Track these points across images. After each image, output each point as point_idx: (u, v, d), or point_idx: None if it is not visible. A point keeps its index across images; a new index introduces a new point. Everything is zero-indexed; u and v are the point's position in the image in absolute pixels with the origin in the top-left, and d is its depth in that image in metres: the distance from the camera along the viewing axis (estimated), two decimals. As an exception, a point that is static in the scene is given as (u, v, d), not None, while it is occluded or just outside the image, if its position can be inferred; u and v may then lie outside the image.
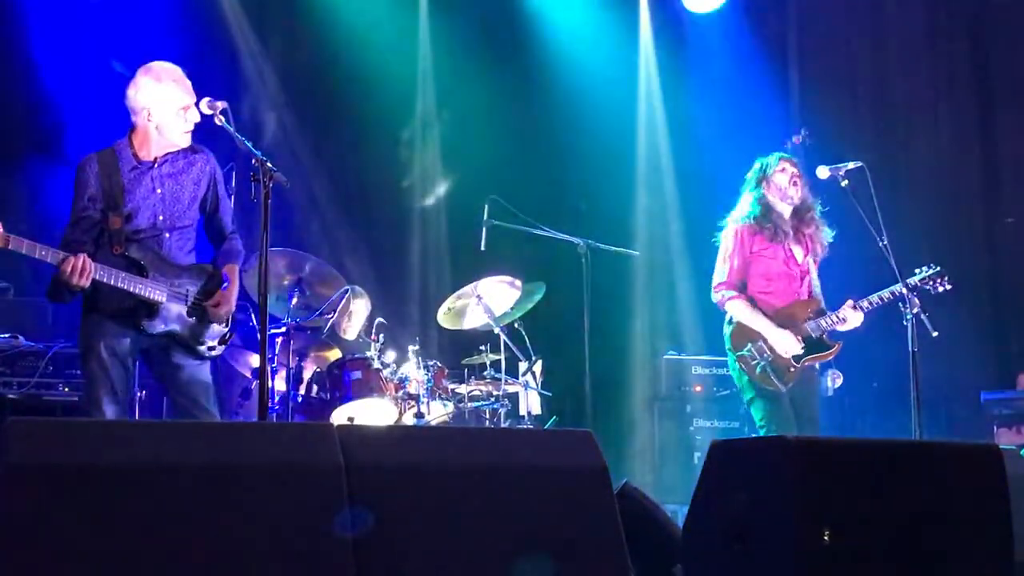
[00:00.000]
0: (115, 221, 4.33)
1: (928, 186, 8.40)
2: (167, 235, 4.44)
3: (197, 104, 4.36)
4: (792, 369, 5.35)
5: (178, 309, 4.40)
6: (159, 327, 4.35)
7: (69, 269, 4.09)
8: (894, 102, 8.62)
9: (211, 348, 4.50)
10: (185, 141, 4.48)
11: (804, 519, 2.96)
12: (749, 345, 5.38)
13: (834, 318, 5.41)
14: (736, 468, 3.21)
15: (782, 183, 5.54)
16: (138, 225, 4.39)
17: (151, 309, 4.32)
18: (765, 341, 5.36)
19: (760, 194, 5.57)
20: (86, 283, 4.13)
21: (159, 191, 4.44)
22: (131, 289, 4.25)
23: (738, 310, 5.47)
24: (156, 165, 4.46)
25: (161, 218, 4.43)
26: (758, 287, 5.51)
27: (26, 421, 2.73)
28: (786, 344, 5.35)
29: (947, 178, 8.49)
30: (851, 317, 5.40)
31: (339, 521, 2.82)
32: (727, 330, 5.52)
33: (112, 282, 4.22)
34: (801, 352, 5.35)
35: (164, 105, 4.40)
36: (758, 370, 5.34)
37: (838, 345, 5.47)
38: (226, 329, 4.56)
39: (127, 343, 4.35)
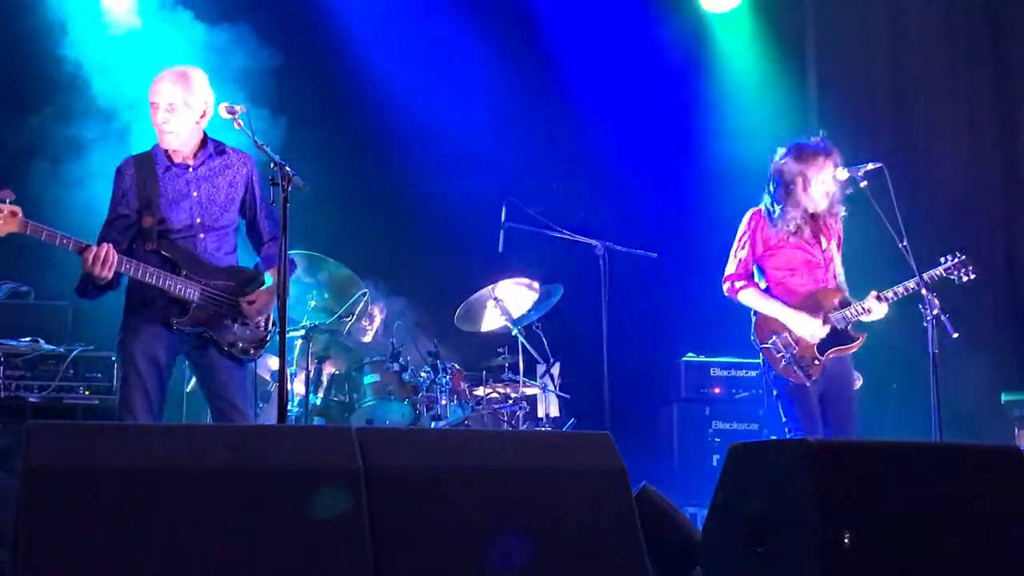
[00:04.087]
0: (147, 219, 4.36)
1: (948, 186, 8.35)
2: (202, 235, 4.46)
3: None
4: (817, 362, 5.24)
5: (212, 309, 4.40)
6: (190, 326, 4.36)
7: (91, 258, 4.10)
8: (913, 102, 8.57)
9: (246, 350, 4.50)
10: (164, 141, 4.45)
11: (824, 521, 2.94)
12: (774, 337, 5.26)
13: (859, 308, 5.31)
14: (756, 470, 3.19)
15: (817, 193, 5.30)
16: (172, 225, 4.41)
17: (183, 307, 4.33)
18: (790, 333, 5.26)
19: (791, 187, 5.31)
20: (108, 274, 4.13)
21: (195, 194, 4.46)
22: (161, 285, 4.26)
23: (751, 299, 5.35)
24: (192, 168, 4.48)
25: (199, 220, 4.45)
26: (780, 276, 5.36)
27: (47, 424, 2.75)
28: (806, 327, 5.22)
29: (967, 178, 8.44)
30: (876, 308, 5.29)
31: (358, 524, 2.83)
32: (752, 323, 5.39)
33: (142, 277, 4.23)
34: (825, 339, 5.24)
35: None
36: (783, 363, 5.24)
37: (862, 337, 5.34)
38: (264, 332, 4.56)
39: (163, 346, 4.35)
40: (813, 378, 5.21)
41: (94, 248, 4.12)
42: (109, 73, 6.52)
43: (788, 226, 5.33)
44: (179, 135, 4.46)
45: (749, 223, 5.44)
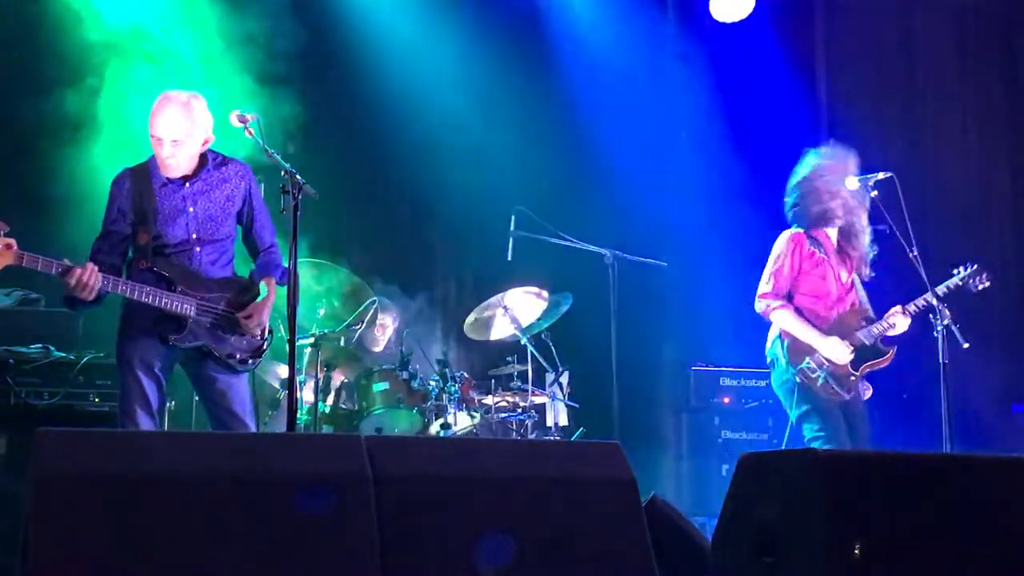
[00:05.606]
0: (142, 236, 4.36)
1: (958, 196, 8.33)
2: (198, 249, 4.46)
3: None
4: (852, 378, 5.30)
5: (208, 322, 4.41)
6: (188, 341, 4.37)
7: (73, 282, 4.10)
8: (923, 112, 8.56)
9: (243, 361, 4.50)
10: (167, 171, 4.44)
11: (834, 533, 2.93)
12: (807, 359, 5.28)
13: (884, 324, 5.35)
14: (765, 481, 3.19)
15: (852, 202, 5.43)
16: (168, 240, 4.41)
17: (179, 323, 4.34)
18: (820, 352, 5.29)
19: (824, 206, 5.44)
20: (89, 296, 4.13)
21: (191, 209, 4.46)
22: (157, 303, 4.27)
23: (784, 320, 5.35)
24: (188, 183, 4.48)
25: (195, 235, 4.45)
26: (805, 303, 5.41)
27: (57, 431, 2.76)
28: (836, 351, 5.24)
29: (977, 188, 8.43)
30: (900, 322, 5.36)
31: (367, 532, 2.83)
32: (781, 346, 5.38)
33: (137, 297, 4.24)
34: (857, 356, 5.30)
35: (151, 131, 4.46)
36: (820, 381, 5.25)
37: (893, 350, 5.39)
38: (260, 342, 4.57)
39: (160, 356, 4.37)
40: (851, 393, 5.27)
41: (76, 271, 4.09)
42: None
43: (825, 222, 5.38)
44: (182, 166, 4.46)
45: (788, 244, 5.44)
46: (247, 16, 6.89)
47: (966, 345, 5.17)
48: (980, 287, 5.40)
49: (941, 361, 5.09)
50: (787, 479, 3.10)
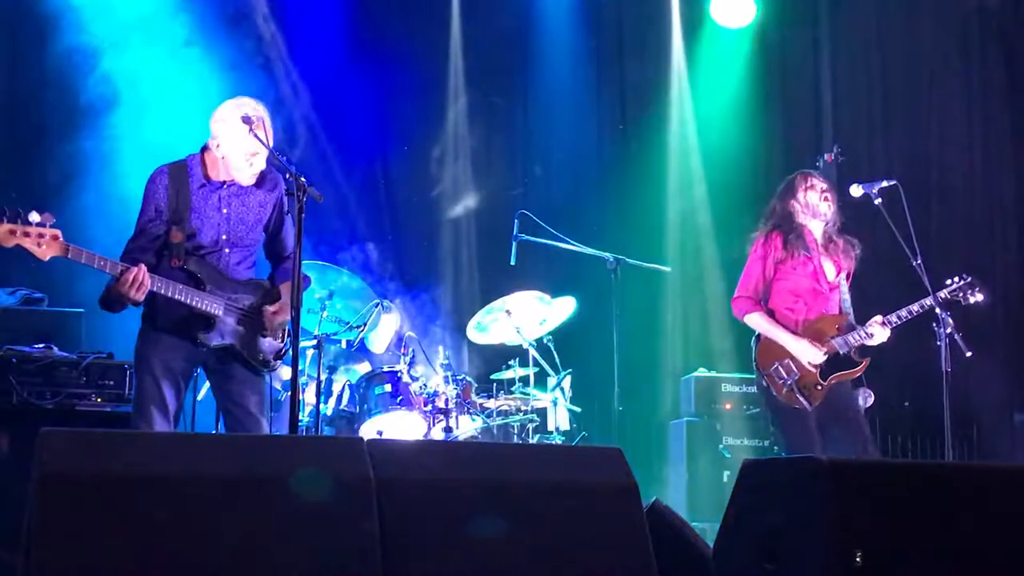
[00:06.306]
0: (176, 235, 4.36)
1: (962, 205, 8.34)
2: (227, 251, 4.47)
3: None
4: (819, 387, 5.27)
5: (234, 323, 4.42)
6: (216, 340, 4.37)
7: (130, 279, 4.11)
8: (927, 120, 8.57)
9: (266, 362, 4.52)
10: (247, 181, 4.49)
11: (836, 540, 2.93)
12: (776, 364, 5.31)
13: (861, 334, 5.34)
14: (767, 487, 3.19)
15: (812, 200, 5.49)
16: (200, 241, 4.41)
17: (208, 322, 4.35)
18: (792, 359, 5.29)
19: (786, 209, 5.53)
20: (141, 296, 4.16)
21: (225, 211, 4.46)
22: (188, 301, 4.28)
23: (756, 323, 5.42)
24: (225, 185, 4.48)
25: (224, 236, 4.46)
26: (785, 303, 5.43)
27: (59, 431, 2.76)
28: (807, 354, 5.26)
29: (981, 196, 8.43)
30: (878, 333, 5.33)
31: (368, 535, 2.83)
32: (754, 348, 5.47)
33: (169, 293, 4.24)
34: (824, 364, 5.27)
35: (234, 143, 4.42)
36: (785, 388, 5.28)
37: (866, 361, 5.37)
38: (281, 344, 4.58)
39: (182, 358, 4.37)
40: (815, 404, 5.25)
41: (132, 271, 4.12)
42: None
43: (799, 237, 5.41)
44: None
45: (760, 245, 5.51)
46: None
47: (969, 354, 5.16)
48: (972, 300, 5.37)
49: (944, 370, 5.08)
50: (789, 486, 3.10)
